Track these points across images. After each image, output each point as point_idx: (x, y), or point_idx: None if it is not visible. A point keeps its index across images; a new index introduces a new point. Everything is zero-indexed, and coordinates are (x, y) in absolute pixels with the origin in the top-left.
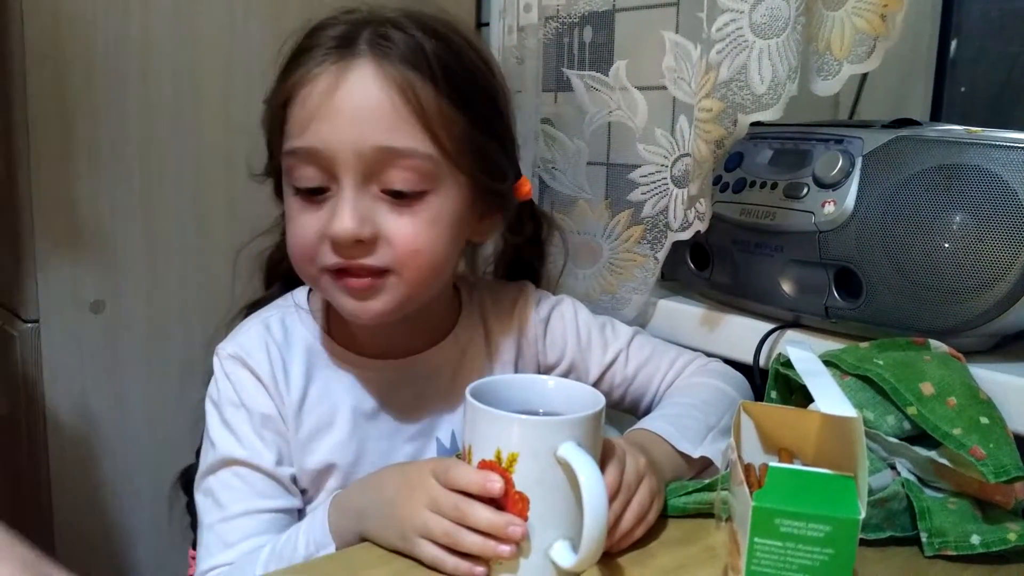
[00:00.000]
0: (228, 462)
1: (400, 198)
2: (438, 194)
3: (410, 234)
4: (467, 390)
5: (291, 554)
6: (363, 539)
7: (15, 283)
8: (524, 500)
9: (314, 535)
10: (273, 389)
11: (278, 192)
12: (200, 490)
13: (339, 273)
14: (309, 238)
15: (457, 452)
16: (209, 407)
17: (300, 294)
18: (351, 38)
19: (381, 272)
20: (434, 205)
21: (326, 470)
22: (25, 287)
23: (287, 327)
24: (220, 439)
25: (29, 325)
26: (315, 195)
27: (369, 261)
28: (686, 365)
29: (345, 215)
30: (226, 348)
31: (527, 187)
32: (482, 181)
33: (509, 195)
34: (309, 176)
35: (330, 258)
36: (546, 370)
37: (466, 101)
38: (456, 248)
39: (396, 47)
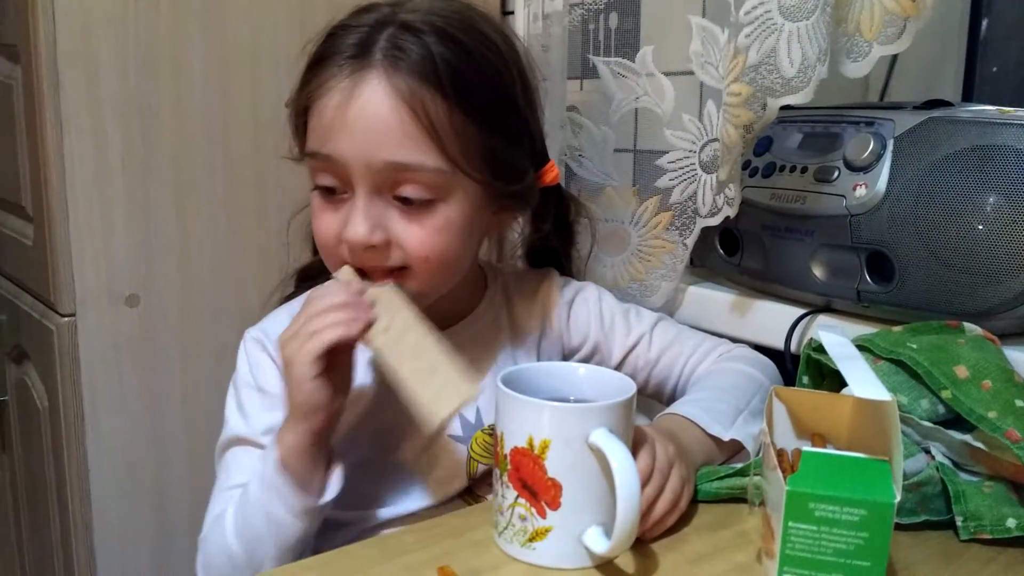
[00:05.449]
0: (236, 440)
1: (410, 204)
2: (447, 203)
3: (419, 241)
4: (499, 378)
5: (246, 502)
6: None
7: (52, 278)
8: (557, 487)
9: (257, 470)
10: None
11: None
12: (217, 464)
13: (360, 272)
14: (330, 239)
15: (481, 428)
16: (230, 387)
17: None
18: (367, 46)
19: (399, 269)
20: (442, 214)
21: (346, 439)
22: (61, 282)
23: None
24: (232, 418)
25: (66, 319)
26: (333, 194)
27: (385, 264)
28: (711, 350)
29: (358, 222)
30: (251, 332)
31: (553, 173)
32: (496, 185)
33: (528, 191)
34: (327, 178)
35: (349, 260)
36: (569, 352)
37: (479, 109)
38: (471, 246)
39: (408, 58)
